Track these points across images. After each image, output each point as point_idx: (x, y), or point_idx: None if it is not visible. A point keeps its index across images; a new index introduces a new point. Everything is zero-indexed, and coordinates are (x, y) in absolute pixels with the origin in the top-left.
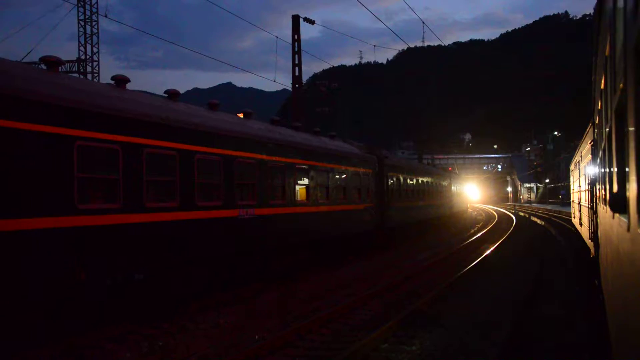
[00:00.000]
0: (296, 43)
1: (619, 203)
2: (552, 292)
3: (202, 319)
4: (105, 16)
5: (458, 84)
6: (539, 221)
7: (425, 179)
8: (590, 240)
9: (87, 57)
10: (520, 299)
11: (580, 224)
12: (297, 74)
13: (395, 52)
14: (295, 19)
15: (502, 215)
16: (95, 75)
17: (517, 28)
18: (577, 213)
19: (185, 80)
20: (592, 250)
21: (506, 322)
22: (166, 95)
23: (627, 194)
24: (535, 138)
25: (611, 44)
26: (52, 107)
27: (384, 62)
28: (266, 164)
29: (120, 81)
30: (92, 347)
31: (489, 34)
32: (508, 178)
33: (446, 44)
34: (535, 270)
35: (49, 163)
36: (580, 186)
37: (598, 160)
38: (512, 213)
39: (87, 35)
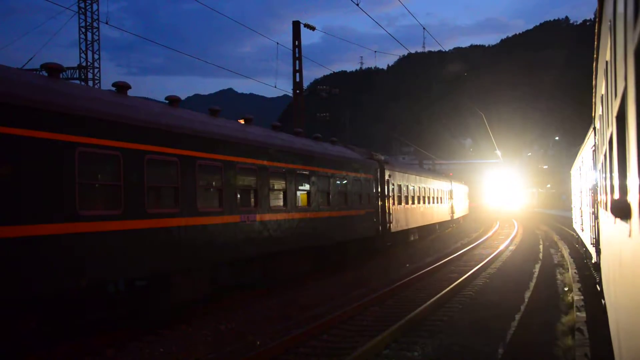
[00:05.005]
0: (297, 49)
1: (620, 208)
2: (551, 294)
3: (204, 325)
4: (107, 23)
5: (458, 90)
6: (541, 225)
7: (426, 185)
8: (592, 246)
9: (88, 63)
10: (522, 296)
11: (582, 230)
12: (297, 79)
13: (395, 58)
14: (296, 25)
15: (503, 220)
16: (97, 81)
17: (517, 33)
18: (578, 218)
19: (186, 86)
20: (594, 256)
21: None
22: (167, 101)
23: (629, 199)
24: (537, 143)
25: (612, 49)
26: (54, 114)
27: (385, 67)
28: (267, 169)
29: (122, 88)
30: (93, 353)
31: (489, 39)
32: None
33: (447, 50)
34: (536, 271)
35: (49, 169)
36: (581, 191)
37: (599, 166)
38: (512, 218)
39: (88, 42)
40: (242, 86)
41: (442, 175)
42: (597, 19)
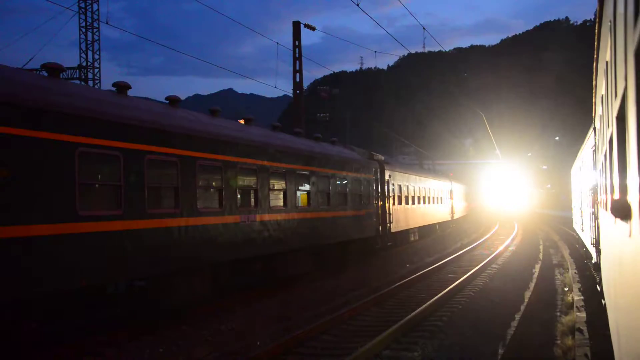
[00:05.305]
0: (297, 49)
1: (620, 209)
2: (551, 294)
3: (204, 325)
4: (107, 23)
5: (458, 90)
6: (541, 225)
7: (426, 185)
8: (592, 246)
9: (89, 63)
10: (522, 296)
11: (582, 230)
12: (297, 80)
13: (395, 58)
14: (296, 26)
15: (503, 220)
16: (97, 81)
17: (517, 34)
18: (578, 219)
19: (186, 86)
20: (594, 256)
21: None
22: (167, 101)
23: (629, 199)
24: (537, 143)
25: (612, 49)
26: (54, 114)
27: (385, 67)
28: (267, 170)
29: (122, 88)
30: (92, 353)
31: (489, 39)
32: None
33: (447, 50)
34: (536, 271)
35: (49, 169)
36: (581, 192)
37: (599, 166)
38: (512, 218)
39: (88, 42)
40: (242, 86)
41: (442, 175)
42: (597, 19)
